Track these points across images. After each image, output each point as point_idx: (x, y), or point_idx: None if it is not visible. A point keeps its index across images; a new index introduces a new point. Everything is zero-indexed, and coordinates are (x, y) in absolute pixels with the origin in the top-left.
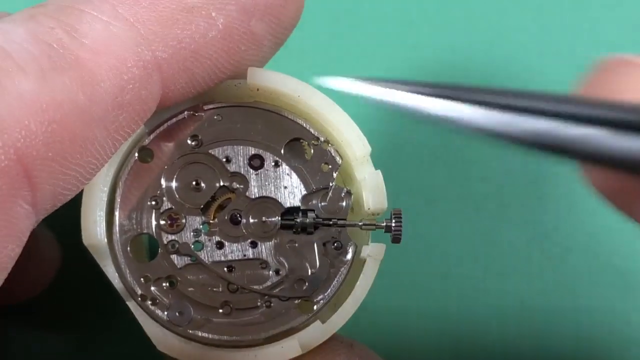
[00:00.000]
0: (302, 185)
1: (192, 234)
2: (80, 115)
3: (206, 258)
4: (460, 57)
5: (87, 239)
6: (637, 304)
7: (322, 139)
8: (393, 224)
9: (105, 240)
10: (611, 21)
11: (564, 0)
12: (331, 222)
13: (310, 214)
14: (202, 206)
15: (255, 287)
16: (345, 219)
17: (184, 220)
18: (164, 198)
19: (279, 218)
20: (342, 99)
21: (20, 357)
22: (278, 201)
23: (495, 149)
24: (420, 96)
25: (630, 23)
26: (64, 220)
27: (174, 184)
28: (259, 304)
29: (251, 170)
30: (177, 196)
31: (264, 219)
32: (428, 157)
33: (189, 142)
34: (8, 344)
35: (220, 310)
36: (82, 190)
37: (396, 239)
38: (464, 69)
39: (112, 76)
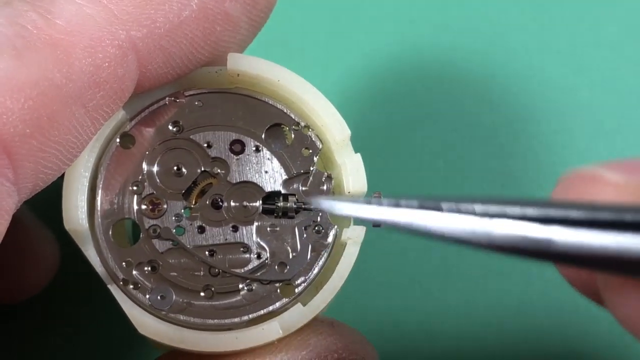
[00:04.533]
0: (283, 170)
1: (173, 218)
2: (57, 92)
3: (188, 242)
4: (460, 57)
5: (68, 223)
6: None
7: (302, 123)
8: None
9: (87, 225)
10: (611, 21)
11: (563, 0)
12: (312, 206)
13: (292, 198)
14: (183, 191)
15: (237, 270)
16: None
17: (165, 205)
18: (146, 183)
19: (260, 202)
20: (323, 85)
21: (20, 357)
22: (259, 186)
23: (495, 148)
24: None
25: (630, 23)
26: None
27: (155, 170)
28: (240, 287)
29: (232, 155)
30: (158, 181)
31: (245, 203)
32: (427, 155)
33: (170, 127)
34: (8, 343)
35: (202, 294)
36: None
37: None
38: (464, 68)
39: (87, 55)
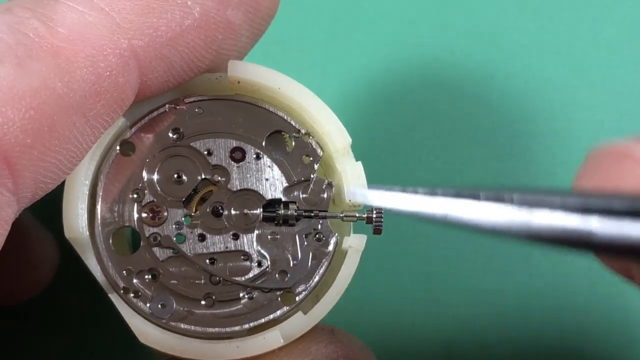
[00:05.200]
0: (283, 178)
1: (174, 226)
2: (58, 102)
3: (188, 250)
4: (460, 57)
5: (68, 231)
6: (636, 304)
7: (303, 131)
8: (374, 216)
9: (87, 233)
10: (611, 21)
11: (563, 0)
12: (312, 214)
13: (292, 206)
14: (184, 199)
15: (238, 279)
16: (326, 211)
17: (165, 213)
18: (146, 191)
19: (261, 210)
20: (322, 85)
21: (20, 358)
22: (260, 193)
23: (494, 149)
24: (438, 199)
25: (630, 23)
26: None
27: (155, 177)
28: (241, 295)
29: (233, 162)
30: (158, 189)
31: (245, 211)
32: (427, 156)
33: (170, 135)
34: (7, 344)
35: (203, 302)
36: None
37: (377, 230)
38: (463, 69)
39: (89, 64)
